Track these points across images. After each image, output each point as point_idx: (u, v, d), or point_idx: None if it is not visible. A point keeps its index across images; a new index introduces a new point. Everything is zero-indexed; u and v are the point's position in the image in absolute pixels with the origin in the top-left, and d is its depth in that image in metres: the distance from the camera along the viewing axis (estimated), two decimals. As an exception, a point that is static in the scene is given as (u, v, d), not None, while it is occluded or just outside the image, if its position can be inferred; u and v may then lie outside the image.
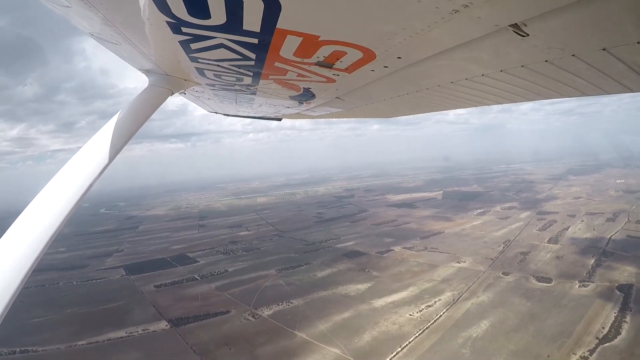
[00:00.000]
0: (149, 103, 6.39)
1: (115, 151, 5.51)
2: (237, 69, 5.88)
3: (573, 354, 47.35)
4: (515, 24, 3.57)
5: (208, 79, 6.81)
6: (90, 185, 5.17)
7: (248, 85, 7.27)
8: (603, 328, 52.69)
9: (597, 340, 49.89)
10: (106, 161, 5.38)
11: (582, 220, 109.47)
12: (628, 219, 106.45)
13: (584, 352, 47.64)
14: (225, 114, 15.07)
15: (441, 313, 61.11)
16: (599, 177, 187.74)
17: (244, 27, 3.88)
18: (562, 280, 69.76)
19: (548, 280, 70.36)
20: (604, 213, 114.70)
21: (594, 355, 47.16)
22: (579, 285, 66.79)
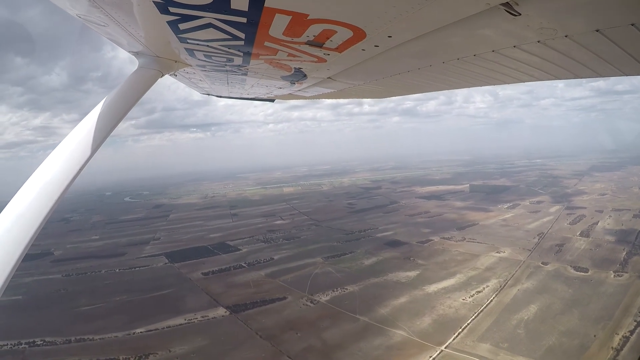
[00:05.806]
0: (139, 85, 6.38)
1: (105, 134, 5.53)
2: (227, 49, 5.84)
3: (616, 333, 53.38)
4: (507, 2, 3.54)
5: (198, 60, 6.78)
6: (81, 169, 5.18)
7: (239, 65, 7.23)
8: (640, 312, 58.29)
9: (636, 322, 55.60)
10: (97, 144, 5.38)
11: (610, 216, 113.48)
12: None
13: (625, 332, 53.58)
14: (218, 96, 15.01)
15: (491, 298, 66.87)
16: (622, 175, 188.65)
17: (232, 6, 3.83)
18: (597, 270, 75.48)
19: (585, 270, 76.09)
20: (630, 209, 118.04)
21: (634, 335, 53.02)
22: (614, 275, 72.47)
